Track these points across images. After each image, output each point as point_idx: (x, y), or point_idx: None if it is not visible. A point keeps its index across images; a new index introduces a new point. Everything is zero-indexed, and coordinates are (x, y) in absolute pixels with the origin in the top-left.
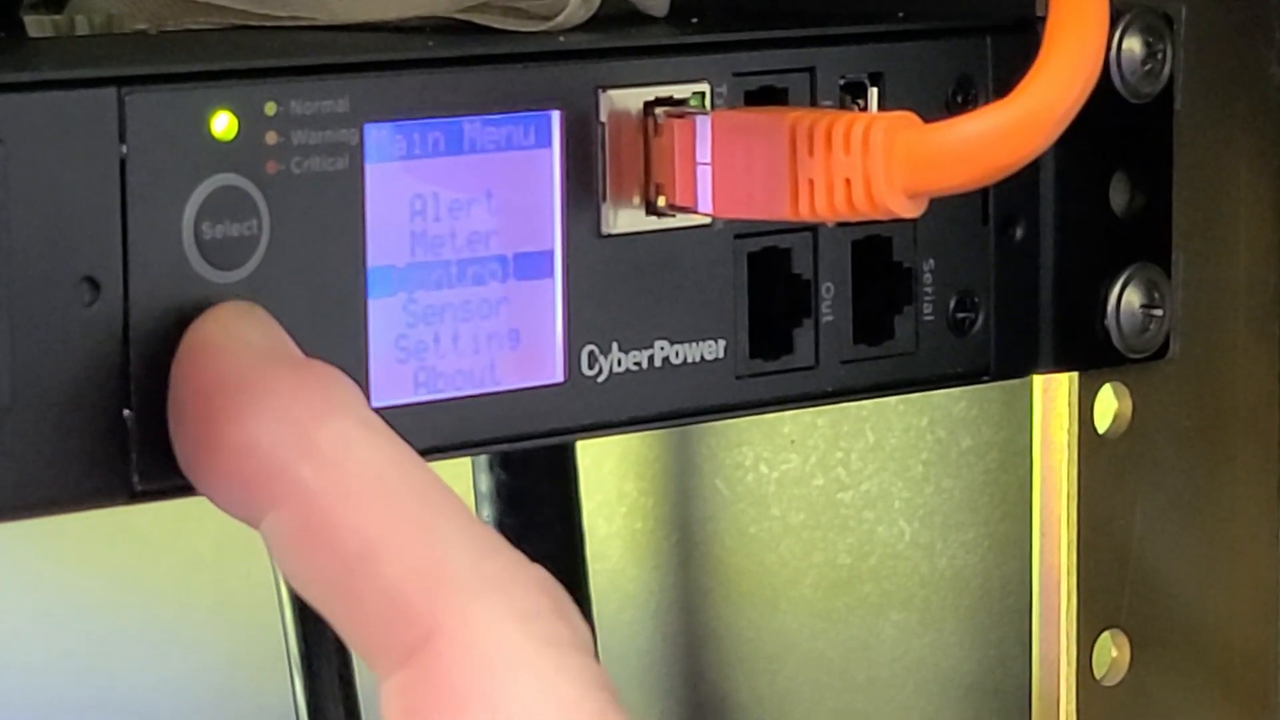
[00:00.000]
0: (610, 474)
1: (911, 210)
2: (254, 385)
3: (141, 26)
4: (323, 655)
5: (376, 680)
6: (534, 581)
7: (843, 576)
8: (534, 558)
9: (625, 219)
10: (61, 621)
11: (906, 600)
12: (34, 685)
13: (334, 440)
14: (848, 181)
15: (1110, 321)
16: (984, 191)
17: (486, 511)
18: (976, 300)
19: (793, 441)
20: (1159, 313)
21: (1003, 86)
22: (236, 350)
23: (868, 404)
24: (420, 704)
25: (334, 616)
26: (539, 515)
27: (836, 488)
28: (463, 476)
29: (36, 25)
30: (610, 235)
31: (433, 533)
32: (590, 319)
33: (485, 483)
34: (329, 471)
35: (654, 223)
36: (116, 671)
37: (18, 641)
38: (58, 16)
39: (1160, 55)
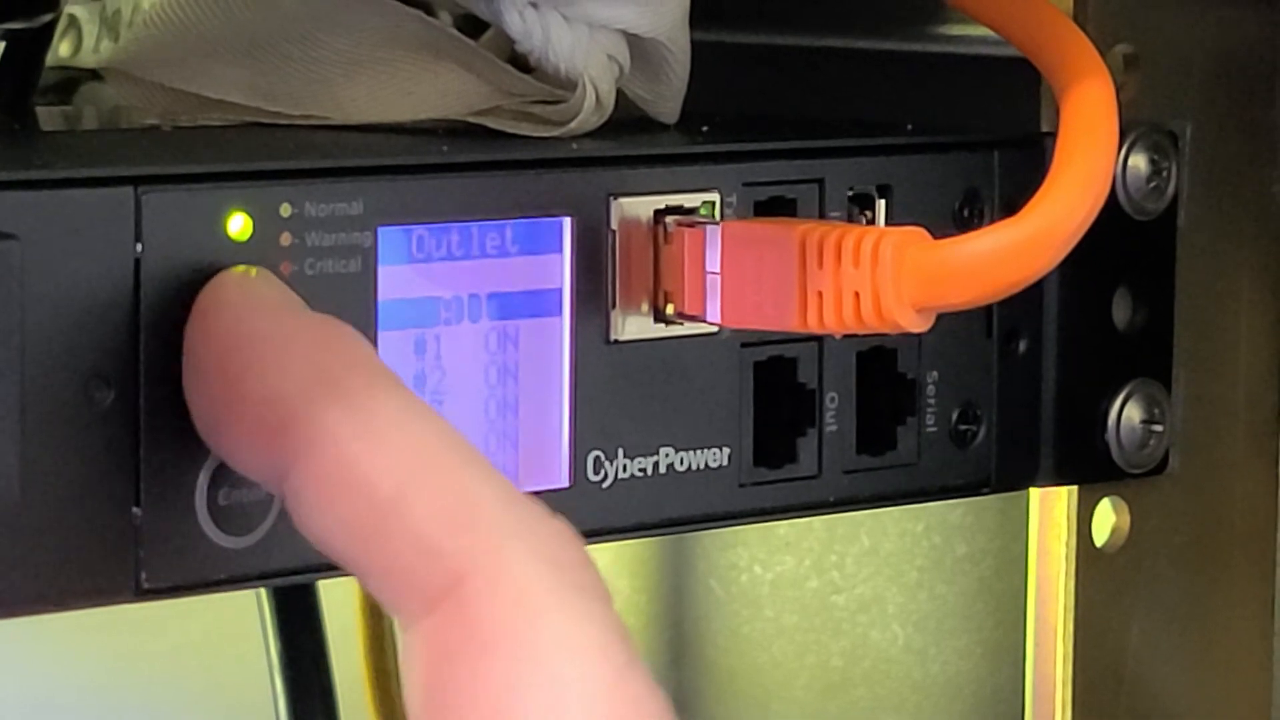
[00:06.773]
0: (604, 571)
1: (919, 325)
2: (276, 338)
3: (153, 121)
4: None
5: (401, 629)
6: (561, 531)
7: (835, 680)
8: None
9: (633, 326)
10: (53, 706)
11: (898, 705)
12: None
13: (362, 385)
14: (856, 295)
15: (1110, 436)
16: (988, 305)
17: None
18: (979, 412)
19: (788, 544)
20: (1159, 428)
21: (1009, 200)
22: (254, 306)
23: None
24: (452, 645)
25: (360, 565)
26: None
27: (830, 590)
28: None
29: (47, 116)
30: (618, 342)
31: (462, 477)
32: (597, 425)
33: None
34: (359, 415)
35: (662, 330)
36: None
37: None
38: (68, 108)
39: (1165, 173)
